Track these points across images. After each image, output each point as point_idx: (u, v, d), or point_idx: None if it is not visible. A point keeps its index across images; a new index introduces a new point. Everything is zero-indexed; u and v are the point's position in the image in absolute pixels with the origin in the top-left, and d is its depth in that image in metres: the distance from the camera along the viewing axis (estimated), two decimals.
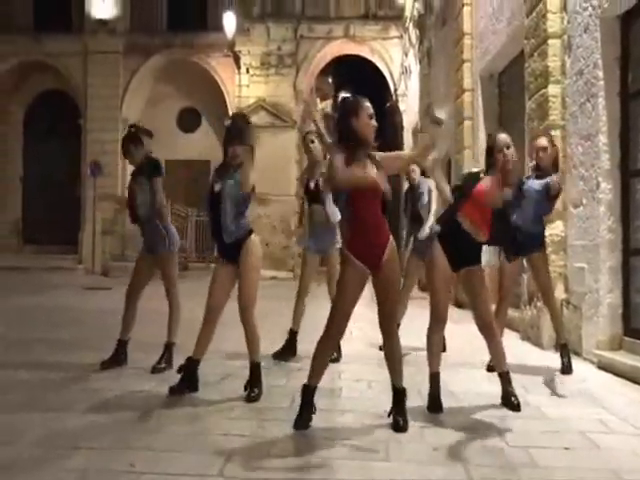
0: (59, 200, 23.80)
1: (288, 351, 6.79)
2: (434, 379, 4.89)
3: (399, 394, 4.44)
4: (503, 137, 4.97)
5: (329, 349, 4.50)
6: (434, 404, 4.80)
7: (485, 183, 4.89)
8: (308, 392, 4.34)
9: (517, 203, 5.30)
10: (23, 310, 10.91)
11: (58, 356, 6.66)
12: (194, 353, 5.22)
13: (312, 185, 6.82)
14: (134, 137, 6.29)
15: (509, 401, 4.86)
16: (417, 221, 7.61)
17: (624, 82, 6.62)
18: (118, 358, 6.19)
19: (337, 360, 6.46)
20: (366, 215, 4.27)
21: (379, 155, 4.39)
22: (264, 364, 5.41)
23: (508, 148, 4.90)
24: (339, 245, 6.46)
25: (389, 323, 4.43)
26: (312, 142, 6.85)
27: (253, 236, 5.22)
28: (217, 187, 5.15)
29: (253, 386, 5.09)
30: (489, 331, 4.95)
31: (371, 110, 4.36)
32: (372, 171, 4.29)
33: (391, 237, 4.38)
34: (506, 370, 4.98)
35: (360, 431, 4.29)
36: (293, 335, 6.90)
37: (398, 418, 4.34)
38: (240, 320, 5.17)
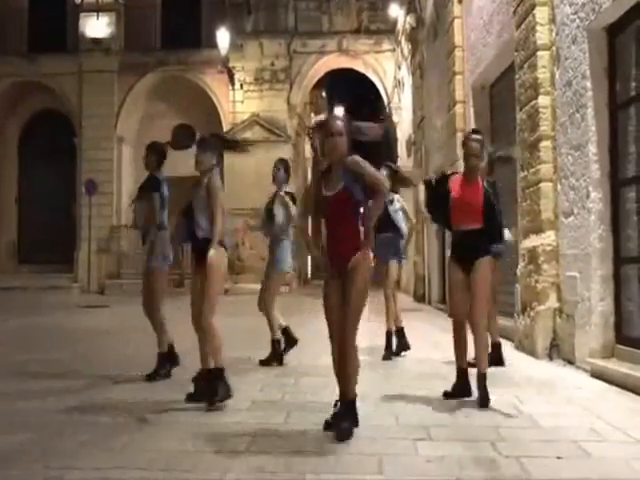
0: (54, 219, 23.83)
1: (273, 358, 7.34)
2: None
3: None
4: (474, 136, 5.65)
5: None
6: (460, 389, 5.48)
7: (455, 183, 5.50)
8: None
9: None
10: (19, 330, 10.92)
11: (55, 376, 6.67)
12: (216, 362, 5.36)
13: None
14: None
15: (482, 400, 5.23)
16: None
17: (612, 93, 6.68)
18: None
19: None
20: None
21: (360, 165, 4.53)
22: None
23: (477, 142, 5.55)
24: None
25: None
26: (278, 169, 7.60)
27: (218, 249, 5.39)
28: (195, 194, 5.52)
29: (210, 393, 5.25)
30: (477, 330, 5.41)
31: (335, 127, 4.53)
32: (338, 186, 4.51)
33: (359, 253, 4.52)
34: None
35: (353, 444, 4.28)
36: (278, 343, 7.44)
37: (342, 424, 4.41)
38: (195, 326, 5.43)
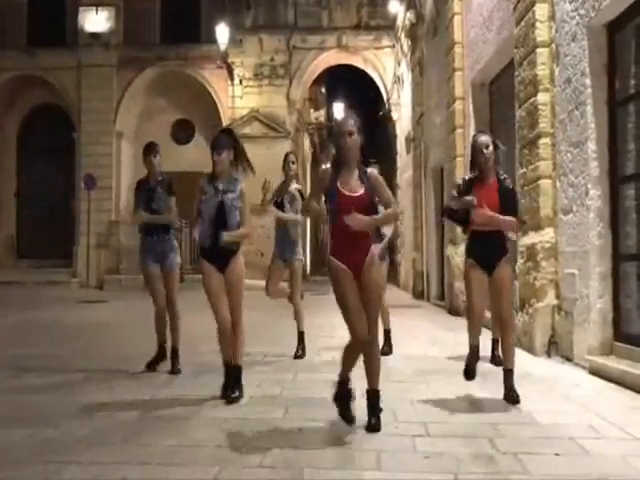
0: (53, 214, 23.82)
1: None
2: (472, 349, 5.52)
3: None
4: (483, 139, 5.47)
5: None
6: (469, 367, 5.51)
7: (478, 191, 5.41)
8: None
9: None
10: (18, 325, 10.92)
11: (53, 371, 6.68)
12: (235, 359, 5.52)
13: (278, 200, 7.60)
14: None
15: (510, 396, 5.25)
16: None
17: (611, 90, 6.68)
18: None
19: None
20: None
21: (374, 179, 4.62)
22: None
23: (487, 148, 5.41)
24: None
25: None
26: (293, 163, 7.68)
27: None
28: (220, 196, 5.47)
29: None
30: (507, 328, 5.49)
31: (347, 127, 4.56)
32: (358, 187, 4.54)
33: (372, 248, 4.59)
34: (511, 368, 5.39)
35: (352, 440, 4.30)
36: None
37: (371, 417, 4.51)
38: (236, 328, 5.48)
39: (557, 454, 3.98)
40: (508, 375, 5.37)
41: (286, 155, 7.86)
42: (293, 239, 7.58)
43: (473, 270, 5.51)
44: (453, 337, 7.66)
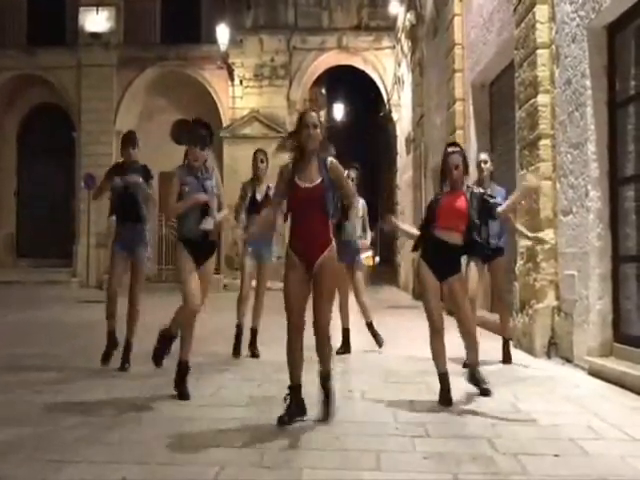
0: (53, 214, 23.80)
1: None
2: (442, 378, 5.36)
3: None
4: (454, 157, 5.50)
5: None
6: (444, 398, 5.28)
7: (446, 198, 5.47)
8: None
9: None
10: (18, 325, 10.92)
11: (52, 370, 6.69)
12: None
13: (259, 197, 7.54)
14: None
15: (482, 389, 5.45)
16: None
17: (612, 91, 6.68)
18: None
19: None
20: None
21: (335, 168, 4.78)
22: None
23: (456, 168, 5.44)
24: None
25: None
26: (262, 162, 7.68)
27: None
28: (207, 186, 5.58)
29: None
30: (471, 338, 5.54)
31: (312, 120, 4.73)
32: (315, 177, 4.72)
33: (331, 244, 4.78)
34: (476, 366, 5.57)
35: (351, 440, 4.30)
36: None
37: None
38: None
39: (557, 455, 3.98)
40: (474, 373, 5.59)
41: (255, 153, 7.82)
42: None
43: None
44: (452, 338, 7.64)
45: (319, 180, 4.70)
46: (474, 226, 5.43)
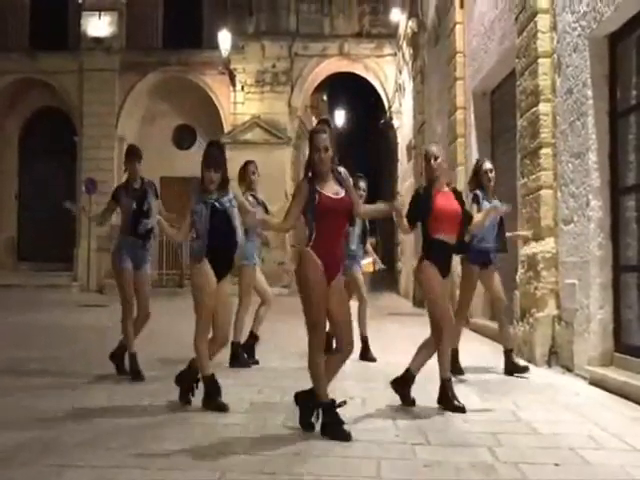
0: (54, 217, 23.77)
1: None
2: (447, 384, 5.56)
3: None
4: (432, 149, 5.67)
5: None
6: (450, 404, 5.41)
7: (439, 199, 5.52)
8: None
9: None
10: (18, 328, 10.92)
11: (53, 374, 6.69)
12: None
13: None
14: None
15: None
16: None
17: (613, 101, 6.71)
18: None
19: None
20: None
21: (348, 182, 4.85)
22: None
23: (436, 159, 5.55)
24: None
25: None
26: (253, 173, 7.63)
27: None
28: (218, 205, 5.50)
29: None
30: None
31: (323, 143, 4.66)
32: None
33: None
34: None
35: (352, 447, 4.30)
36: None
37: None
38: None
39: (557, 464, 3.99)
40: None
41: (246, 164, 7.75)
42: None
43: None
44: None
45: (343, 192, 4.71)
46: (467, 228, 5.66)
